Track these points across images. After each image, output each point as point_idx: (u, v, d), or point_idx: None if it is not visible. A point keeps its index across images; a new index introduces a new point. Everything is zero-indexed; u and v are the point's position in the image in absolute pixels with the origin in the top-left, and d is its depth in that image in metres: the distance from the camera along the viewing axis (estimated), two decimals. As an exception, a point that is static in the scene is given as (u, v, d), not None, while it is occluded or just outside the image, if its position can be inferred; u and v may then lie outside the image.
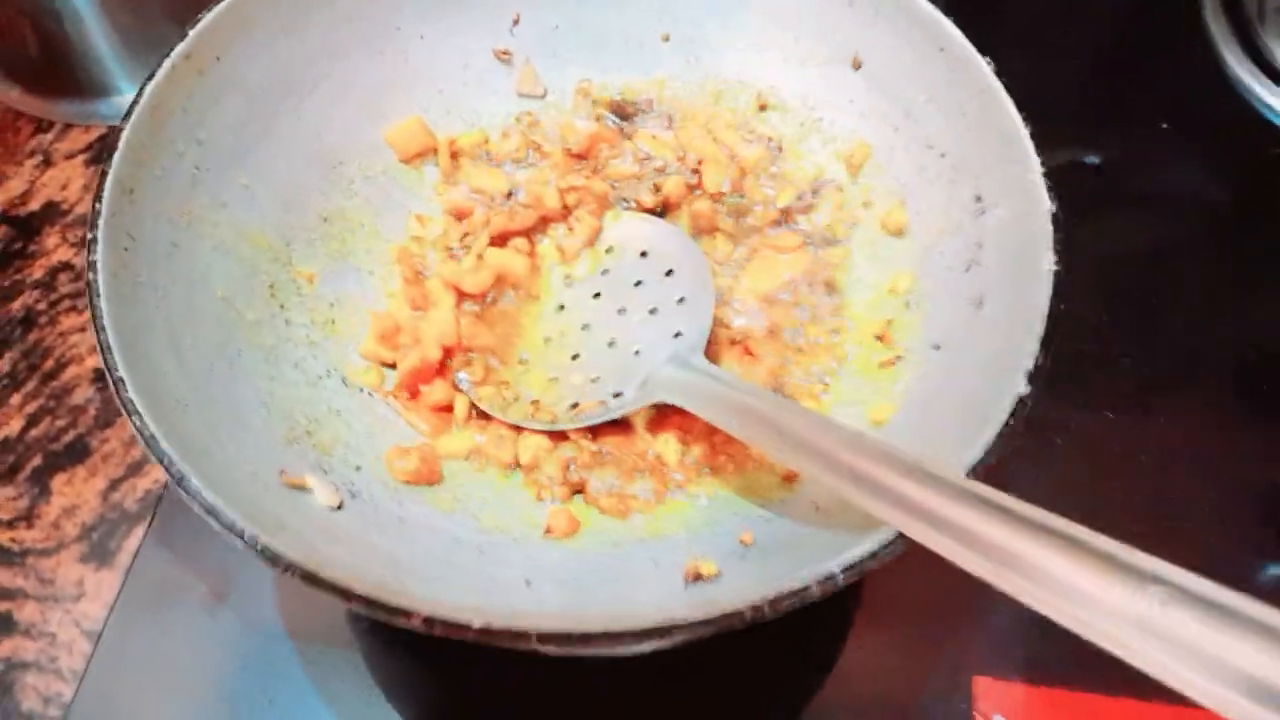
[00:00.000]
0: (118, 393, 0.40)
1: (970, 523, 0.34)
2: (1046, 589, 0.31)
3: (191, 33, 0.50)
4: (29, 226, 0.78)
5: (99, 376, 0.70)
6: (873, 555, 0.38)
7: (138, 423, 0.39)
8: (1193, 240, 0.71)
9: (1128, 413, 0.63)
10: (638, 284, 0.55)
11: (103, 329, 0.41)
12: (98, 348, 0.41)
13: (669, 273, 0.54)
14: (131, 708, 0.55)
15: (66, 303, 0.74)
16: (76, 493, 0.65)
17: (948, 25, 0.51)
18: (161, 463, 0.38)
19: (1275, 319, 0.68)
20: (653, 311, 0.53)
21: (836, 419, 0.42)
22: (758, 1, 0.59)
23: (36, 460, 0.66)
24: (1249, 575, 0.58)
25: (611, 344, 0.53)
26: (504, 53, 0.61)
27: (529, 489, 0.50)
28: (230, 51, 0.52)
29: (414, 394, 0.52)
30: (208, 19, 0.51)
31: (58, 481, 0.65)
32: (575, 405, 0.51)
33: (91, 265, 0.43)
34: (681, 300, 0.52)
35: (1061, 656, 0.54)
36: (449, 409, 0.52)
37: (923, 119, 0.53)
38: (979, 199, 0.50)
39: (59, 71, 0.83)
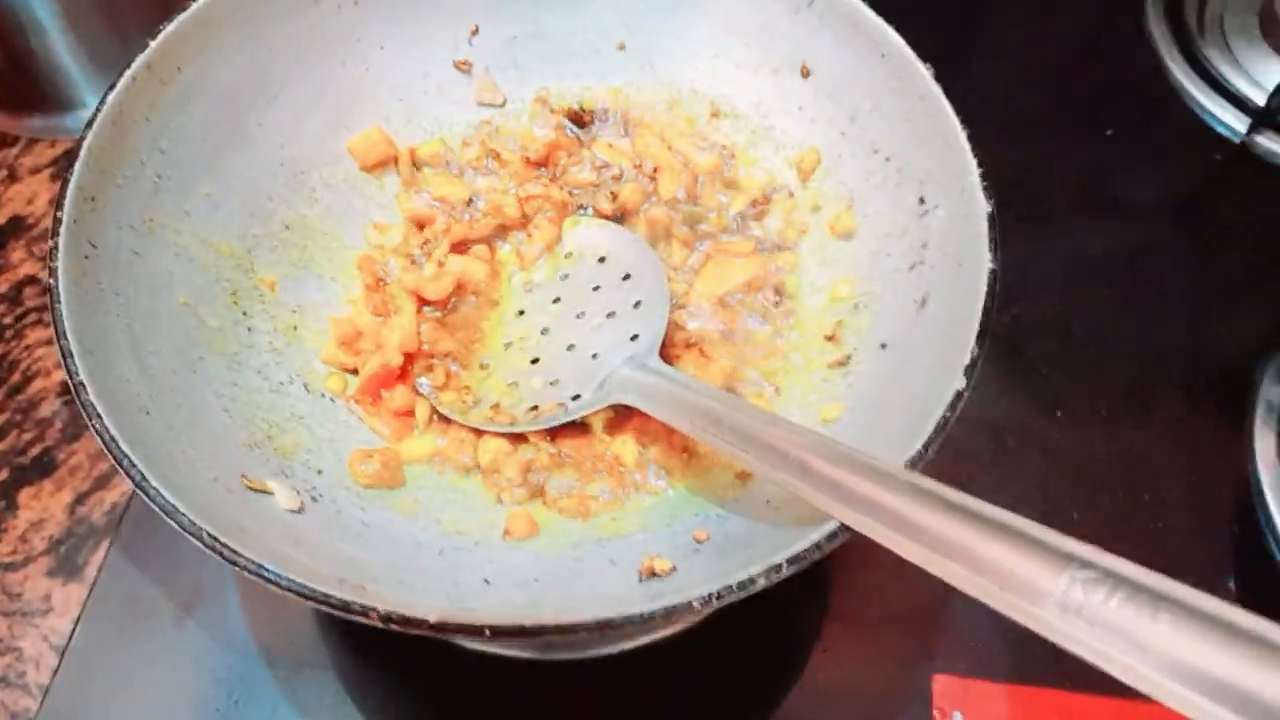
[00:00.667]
0: (78, 396, 0.41)
1: (907, 511, 0.35)
2: (978, 573, 0.32)
3: (153, 43, 0.51)
4: (-8, 239, 0.78)
5: (65, 390, 0.70)
6: (817, 546, 0.39)
7: (98, 426, 0.40)
8: (1145, 245, 0.73)
9: (1086, 417, 0.65)
10: (596, 289, 0.56)
11: (64, 335, 0.42)
12: (59, 354, 0.42)
13: (626, 277, 0.55)
14: (111, 702, 0.55)
15: (33, 316, 0.74)
16: (44, 506, 0.65)
17: (890, 33, 0.53)
18: (121, 465, 0.39)
19: (1226, 321, 0.70)
20: (610, 315, 0.54)
21: (784, 417, 0.43)
22: (710, 11, 0.60)
23: (3, 474, 0.66)
24: (1211, 576, 0.59)
25: (570, 348, 0.54)
26: (463, 63, 0.62)
27: (489, 491, 0.51)
28: (193, 61, 0.53)
29: (376, 399, 0.53)
30: (170, 29, 0.52)
31: (25, 495, 0.66)
32: (535, 408, 0.52)
33: (52, 272, 0.43)
34: (638, 304, 0.54)
35: (1018, 653, 0.56)
36: (410, 414, 0.53)
37: (869, 125, 0.55)
38: (922, 200, 0.51)
39: (24, 86, 0.83)
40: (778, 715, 0.55)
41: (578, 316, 0.55)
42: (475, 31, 0.62)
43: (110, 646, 0.57)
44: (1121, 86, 0.81)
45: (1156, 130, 0.78)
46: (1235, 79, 0.78)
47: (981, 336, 0.44)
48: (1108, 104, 0.79)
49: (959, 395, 0.42)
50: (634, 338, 0.52)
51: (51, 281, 0.43)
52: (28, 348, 0.72)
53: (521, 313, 0.57)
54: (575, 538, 0.49)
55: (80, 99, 0.83)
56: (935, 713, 0.55)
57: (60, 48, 0.81)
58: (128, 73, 0.50)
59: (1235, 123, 0.76)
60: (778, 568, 0.38)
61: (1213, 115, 0.77)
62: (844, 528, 0.39)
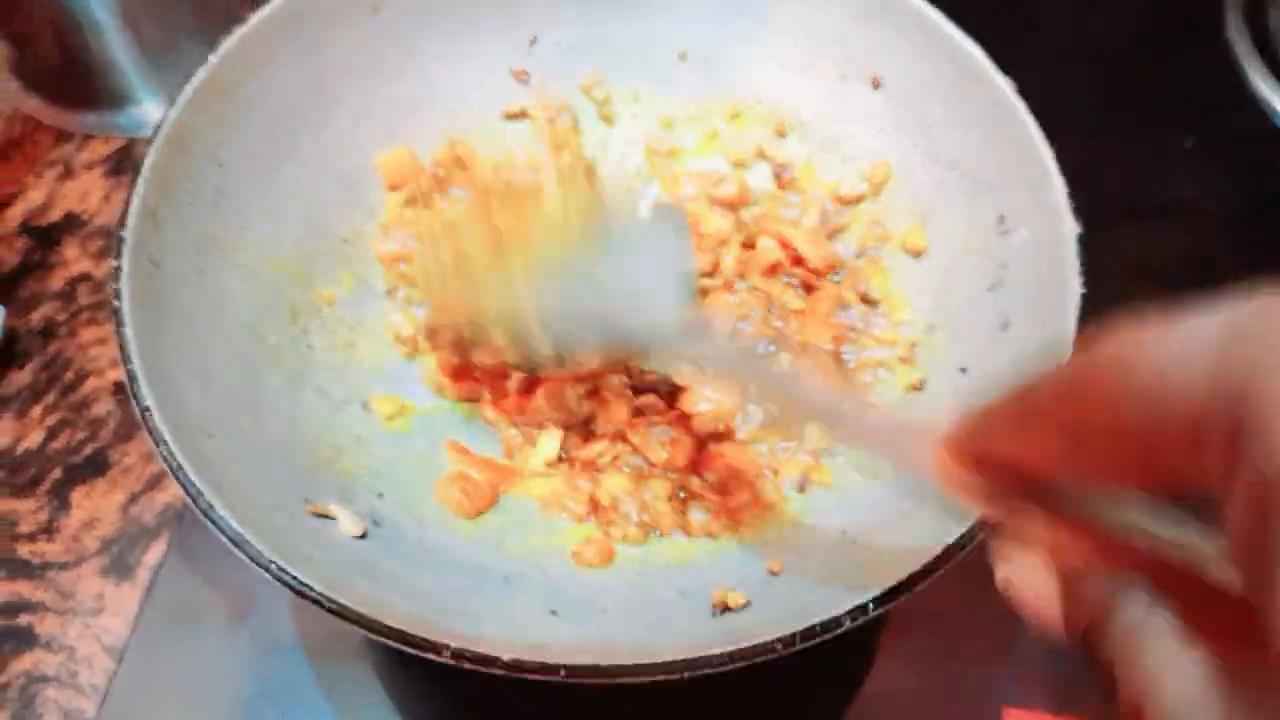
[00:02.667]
0: (144, 421, 0.40)
1: None
2: None
3: (213, 58, 0.50)
4: (49, 237, 0.78)
5: (119, 389, 0.70)
6: (907, 586, 0.37)
7: (164, 453, 0.39)
8: (1214, 254, 0.71)
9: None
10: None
11: (129, 359, 0.41)
12: (124, 377, 0.41)
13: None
14: (161, 709, 0.55)
15: (86, 314, 0.74)
16: (96, 506, 0.65)
17: (968, 44, 0.51)
18: (188, 493, 0.38)
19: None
20: None
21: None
22: (775, 18, 0.59)
23: (56, 473, 0.66)
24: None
25: None
26: (521, 72, 0.61)
27: (599, 528, 0.50)
28: (252, 76, 0.52)
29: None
30: (230, 43, 0.51)
31: (77, 495, 0.66)
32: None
33: (117, 293, 0.43)
34: None
35: (1090, 688, 0.54)
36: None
37: (942, 137, 0.53)
38: (1002, 219, 0.50)
39: (80, 82, 0.83)
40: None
41: None
42: (534, 41, 0.61)
43: (165, 652, 0.57)
44: (1200, 94, 0.78)
45: (1233, 138, 0.76)
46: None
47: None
48: (1187, 112, 0.77)
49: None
50: None
51: (116, 304, 0.42)
52: (81, 346, 0.72)
53: None
54: (640, 565, 0.48)
55: (134, 96, 0.84)
56: (1006, 747, 0.53)
57: (116, 45, 0.81)
58: (189, 88, 0.49)
59: (1319, 136, 0.74)
60: (863, 608, 0.37)
61: (1294, 127, 0.74)
62: (931, 568, 0.38)
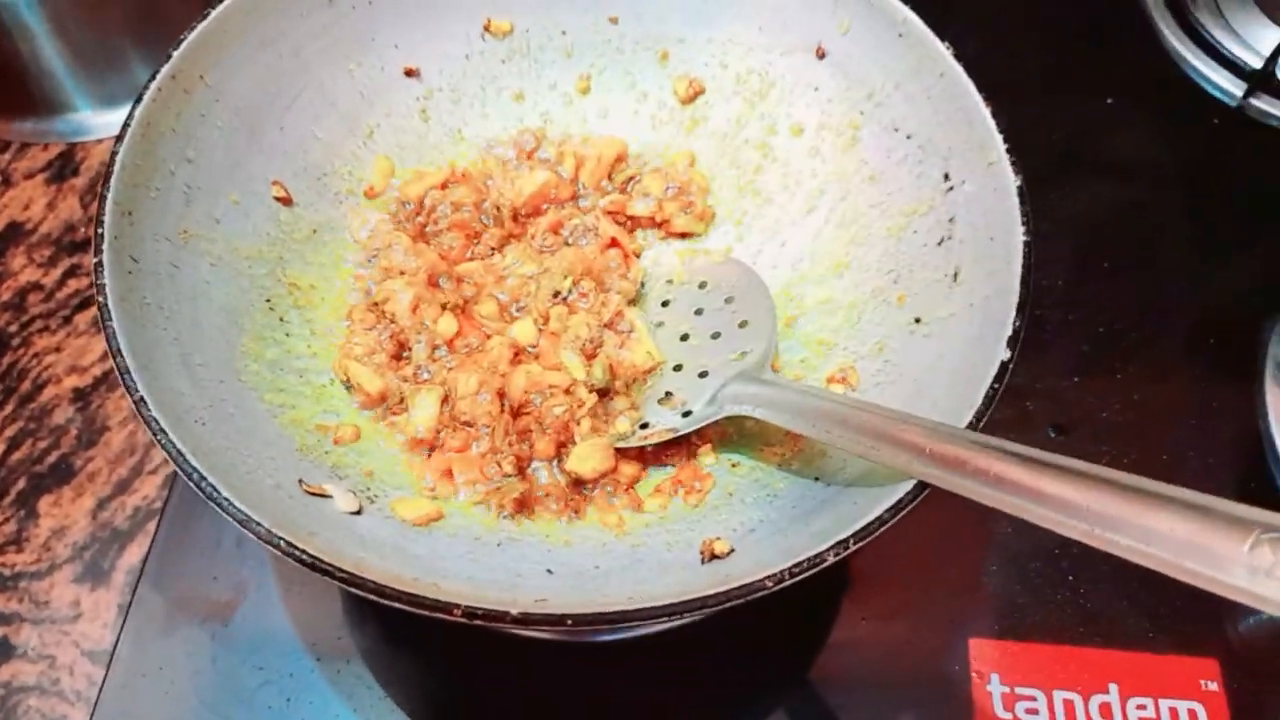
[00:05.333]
0: (140, 412, 0.41)
1: (1069, 495, 0.35)
2: (1149, 544, 0.33)
3: (176, 52, 0.51)
4: (-8, 245, 0.77)
5: (78, 396, 0.70)
6: (881, 520, 0.40)
7: (163, 441, 0.40)
8: (1147, 209, 0.75)
9: (1092, 374, 0.67)
10: (698, 312, 0.56)
11: (119, 353, 0.42)
12: (115, 370, 0.42)
13: (729, 300, 0.56)
14: (163, 704, 0.55)
15: (39, 323, 0.73)
16: (65, 513, 0.65)
17: (906, 10, 0.54)
18: (191, 479, 0.39)
19: (1229, 281, 0.71)
20: (715, 336, 0.55)
21: (909, 413, 0.43)
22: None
23: (21, 484, 0.66)
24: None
25: (678, 368, 0.54)
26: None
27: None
28: (213, 69, 0.53)
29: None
30: (190, 38, 0.51)
31: (44, 503, 0.65)
32: (645, 425, 0.53)
33: (100, 289, 0.43)
34: (744, 324, 0.54)
35: (1049, 615, 0.58)
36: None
37: (888, 104, 0.56)
38: (947, 176, 0.52)
39: (13, 90, 0.82)
40: (815, 681, 0.56)
41: (682, 339, 0.56)
42: (487, 26, 0.62)
43: (157, 649, 0.57)
44: (1118, 54, 0.82)
45: (1153, 96, 0.80)
46: (1229, 44, 0.79)
47: (1022, 308, 0.45)
48: (1104, 70, 0.81)
49: (1004, 366, 0.44)
50: (743, 355, 0.52)
51: (101, 299, 0.43)
52: (36, 355, 0.72)
53: None
54: (630, 525, 0.50)
55: (70, 103, 0.83)
56: (974, 675, 0.56)
57: (48, 51, 0.80)
58: (153, 84, 0.49)
59: (1231, 87, 0.77)
60: (844, 543, 0.39)
61: (1209, 80, 0.78)
62: (904, 502, 0.40)
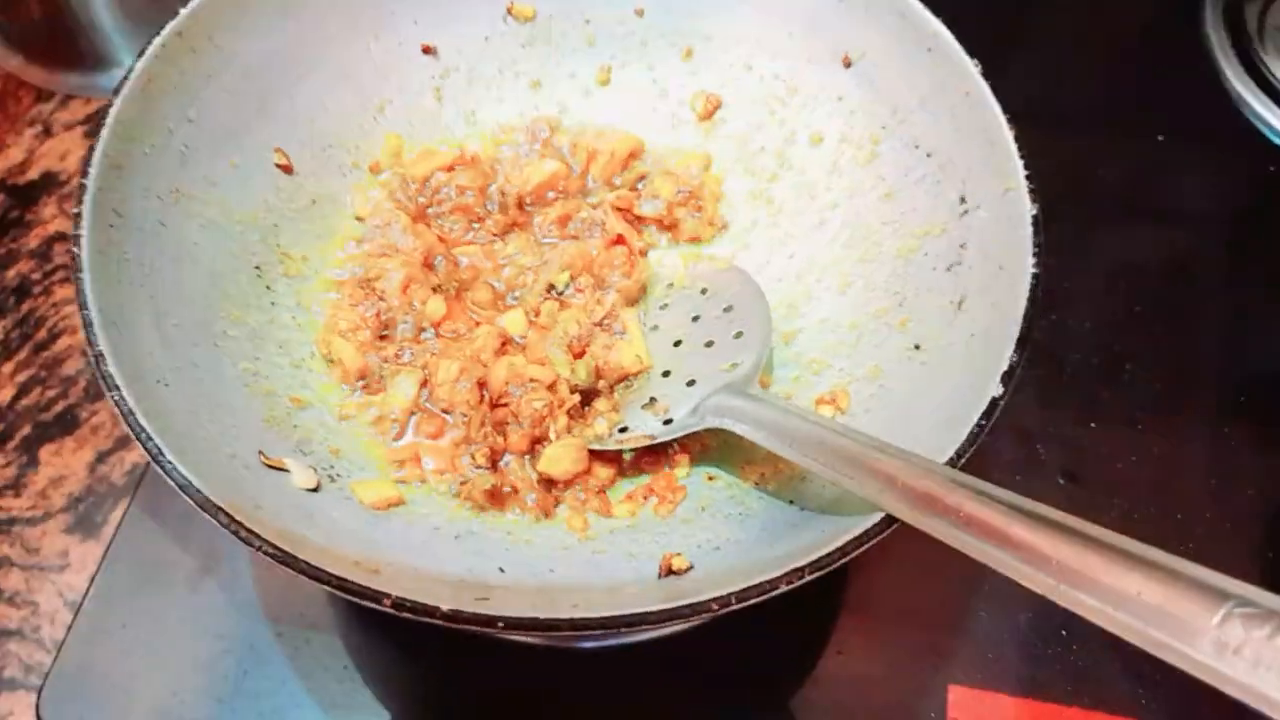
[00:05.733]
0: (97, 366, 0.40)
1: (1040, 544, 0.33)
2: (1117, 608, 0.31)
3: (185, 10, 0.51)
4: (26, 196, 0.78)
5: (91, 349, 0.70)
6: (842, 551, 0.38)
7: (116, 397, 0.39)
8: (1190, 255, 0.71)
9: (1121, 430, 0.63)
10: (695, 319, 0.55)
11: (85, 305, 0.41)
12: (80, 323, 0.41)
13: (728, 309, 0.54)
14: (109, 679, 0.55)
15: (61, 273, 0.74)
16: (65, 463, 0.65)
17: (937, 25, 0.52)
18: (139, 438, 0.39)
19: (1264, 337, 0.68)
20: (709, 344, 0.53)
21: (892, 444, 0.40)
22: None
23: (26, 429, 0.67)
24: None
25: (666, 374, 0.53)
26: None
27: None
28: (224, 30, 0.52)
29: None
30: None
31: (46, 451, 0.66)
32: (624, 429, 0.51)
33: (76, 240, 0.43)
34: (739, 335, 0.53)
35: (1034, 668, 0.55)
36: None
37: (911, 119, 0.54)
38: (963, 200, 0.50)
39: (61, 42, 0.83)
40: (790, 710, 0.55)
41: (675, 344, 0.54)
42: (510, 9, 0.61)
43: (124, 606, 0.57)
44: (1175, 91, 0.78)
45: (1209, 138, 0.76)
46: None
47: (1021, 343, 0.43)
48: (1160, 108, 0.77)
49: (994, 403, 0.41)
50: (733, 366, 0.51)
51: (75, 250, 0.43)
52: (55, 305, 0.72)
53: None
54: (594, 529, 0.48)
55: (116, 57, 0.83)
56: (949, 722, 0.54)
57: (98, 6, 0.81)
58: (158, 39, 0.49)
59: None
60: (799, 572, 0.37)
61: (1269, 125, 0.74)
62: (867, 535, 0.38)
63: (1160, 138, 0.75)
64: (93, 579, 0.58)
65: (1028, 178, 0.47)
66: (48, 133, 0.83)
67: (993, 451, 0.62)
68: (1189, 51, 0.80)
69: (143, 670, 0.55)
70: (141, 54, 0.49)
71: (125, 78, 0.48)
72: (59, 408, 0.68)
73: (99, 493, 0.64)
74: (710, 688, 0.55)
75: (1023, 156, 0.47)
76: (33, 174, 0.80)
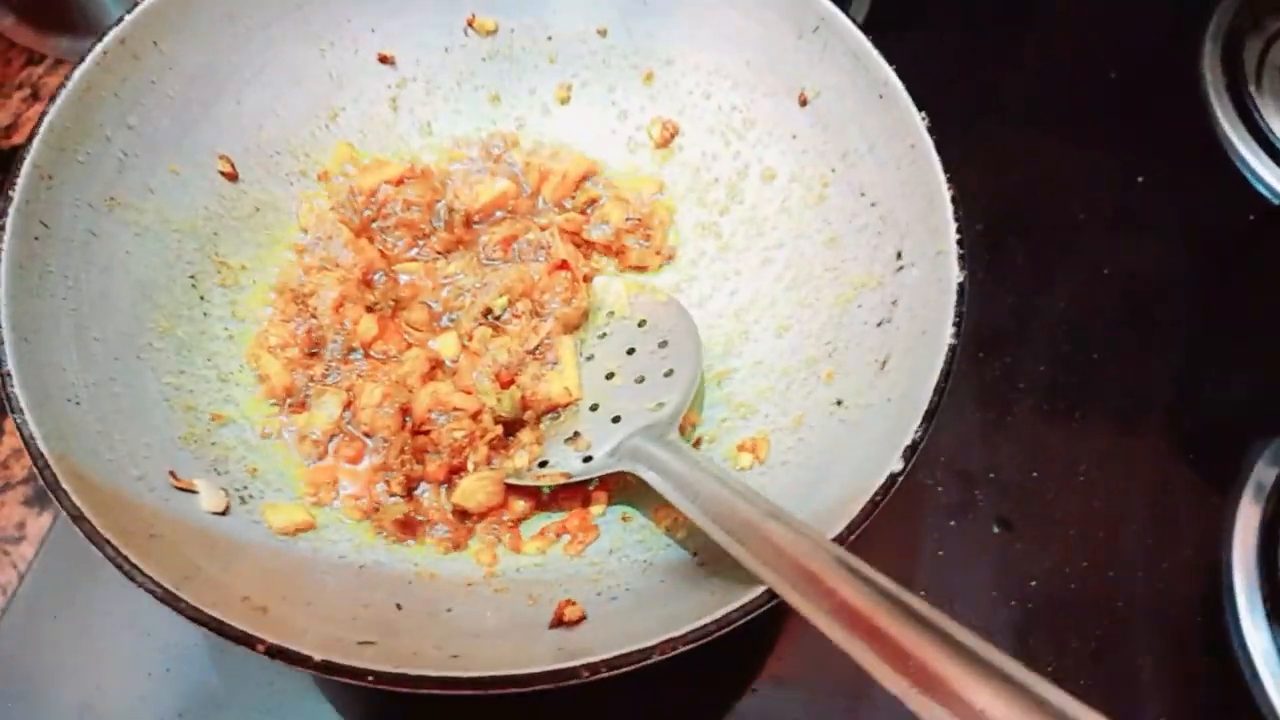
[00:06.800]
0: (3, 386, 0.41)
1: (909, 645, 0.33)
2: (954, 711, 0.31)
3: (128, 17, 0.50)
4: (13, 159, 0.78)
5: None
6: (718, 623, 0.38)
7: (19, 420, 0.40)
8: (1154, 298, 0.69)
9: (1062, 479, 0.63)
10: (630, 351, 0.55)
11: (-2, 323, 0.42)
12: (-8, 340, 0.42)
13: (663, 344, 0.54)
14: (35, 670, 0.55)
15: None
16: (26, 436, 0.66)
17: (889, 71, 0.50)
18: (36, 464, 0.39)
19: (1222, 389, 0.67)
20: (639, 380, 0.53)
21: (791, 515, 0.40)
22: (708, 17, 0.58)
23: (-12, 401, 0.68)
24: (1170, 666, 0.57)
25: (594, 407, 0.53)
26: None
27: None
28: (169, 36, 0.52)
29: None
30: (147, 3, 0.50)
31: (9, 423, 0.66)
32: (544, 463, 0.51)
33: (-5, 254, 0.43)
34: (669, 373, 0.52)
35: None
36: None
37: (860, 165, 0.53)
38: (899, 255, 0.49)
39: (54, 5, 0.83)
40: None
41: (607, 377, 0.54)
42: (471, 22, 0.60)
43: (57, 597, 0.58)
44: (1164, 130, 0.76)
45: (1192, 178, 0.74)
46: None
47: (929, 417, 0.42)
48: (1144, 142, 0.75)
49: (893, 478, 0.41)
50: (659, 406, 0.51)
51: (-9, 265, 0.43)
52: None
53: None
54: (501, 565, 0.48)
55: (109, 22, 0.83)
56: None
57: (90, -32, 0.80)
58: (98, 47, 0.49)
59: (1277, 183, 0.71)
60: (673, 643, 0.38)
61: (1255, 172, 0.72)
62: (750, 606, 0.38)
63: (1140, 179, 0.73)
64: (37, 551, 0.59)
65: (959, 243, 0.46)
66: (36, 97, 0.83)
67: (930, 494, 0.62)
68: (1183, 87, 0.77)
69: (69, 662, 0.56)
70: (80, 62, 0.48)
71: (61, 86, 0.48)
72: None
73: (57, 468, 0.65)
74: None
75: (958, 219, 0.46)
76: (18, 138, 0.80)
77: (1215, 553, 0.60)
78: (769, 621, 0.57)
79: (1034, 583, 0.59)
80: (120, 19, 0.50)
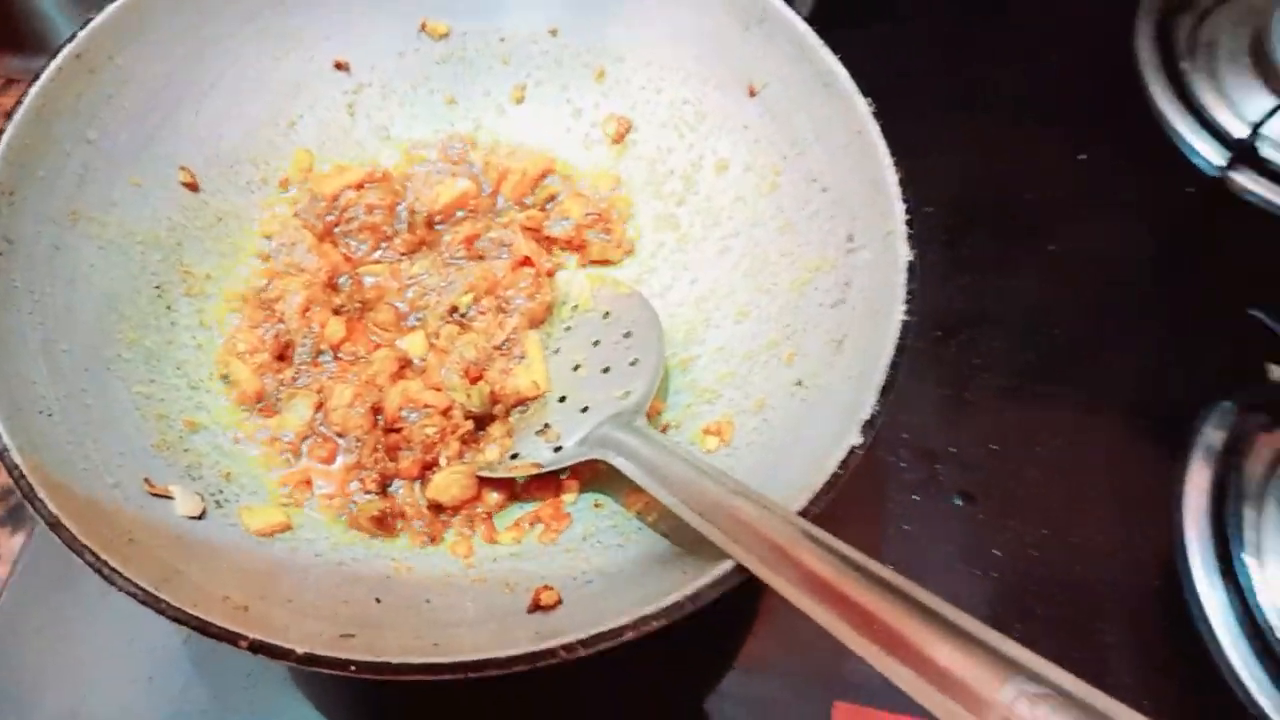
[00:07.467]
0: (-24, 402, 0.41)
1: (872, 606, 0.35)
2: (920, 674, 0.32)
3: (82, 32, 0.50)
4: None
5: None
6: (690, 599, 0.39)
7: (-8, 434, 0.40)
8: (1103, 275, 0.71)
9: (1020, 454, 0.64)
10: (596, 343, 0.56)
11: (-34, 339, 0.42)
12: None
13: (627, 334, 0.55)
14: (18, 680, 0.56)
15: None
16: (-2, 455, 0.66)
17: (833, 61, 0.52)
18: (11, 475, 0.40)
19: (1173, 359, 0.68)
20: (605, 370, 0.54)
21: (761, 494, 0.41)
22: (654, 14, 0.59)
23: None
24: (1130, 629, 0.59)
25: (562, 399, 0.54)
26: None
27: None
28: (124, 50, 0.52)
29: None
30: (101, 18, 0.51)
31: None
32: (515, 455, 0.52)
33: (-41, 272, 0.44)
34: (634, 362, 0.53)
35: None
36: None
37: (810, 153, 0.54)
38: (850, 238, 0.51)
39: (4, 25, 0.82)
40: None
41: (574, 369, 0.55)
42: (423, 26, 0.61)
43: (40, 605, 0.58)
44: (1098, 103, 0.78)
45: (1131, 156, 0.76)
46: (1218, 110, 0.75)
47: (886, 390, 0.44)
48: (1082, 121, 0.77)
49: (853, 451, 0.42)
50: (626, 394, 0.52)
51: (-45, 282, 0.43)
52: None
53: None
54: (478, 556, 0.49)
55: (58, 41, 0.83)
56: (833, 739, 0.55)
57: (40, -11, 0.80)
58: (53, 63, 0.49)
59: (1214, 156, 0.73)
60: (647, 620, 0.39)
61: (1191, 146, 0.74)
62: (720, 582, 0.40)
63: (1081, 156, 0.76)
64: (13, 566, 0.59)
65: (908, 223, 0.47)
66: (-13, 118, 0.82)
67: (894, 471, 0.64)
68: (1117, 65, 0.79)
69: (52, 673, 0.56)
70: (36, 78, 0.49)
71: (18, 103, 0.48)
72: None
73: (26, 488, 0.65)
74: (614, 699, 0.57)
75: (906, 200, 0.48)
76: (-30, 160, 0.80)
77: (1170, 516, 0.61)
78: (745, 604, 0.60)
79: (997, 552, 0.61)
80: (74, 34, 0.50)
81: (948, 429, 0.65)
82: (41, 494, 0.39)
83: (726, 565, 0.40)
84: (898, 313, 0.45)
